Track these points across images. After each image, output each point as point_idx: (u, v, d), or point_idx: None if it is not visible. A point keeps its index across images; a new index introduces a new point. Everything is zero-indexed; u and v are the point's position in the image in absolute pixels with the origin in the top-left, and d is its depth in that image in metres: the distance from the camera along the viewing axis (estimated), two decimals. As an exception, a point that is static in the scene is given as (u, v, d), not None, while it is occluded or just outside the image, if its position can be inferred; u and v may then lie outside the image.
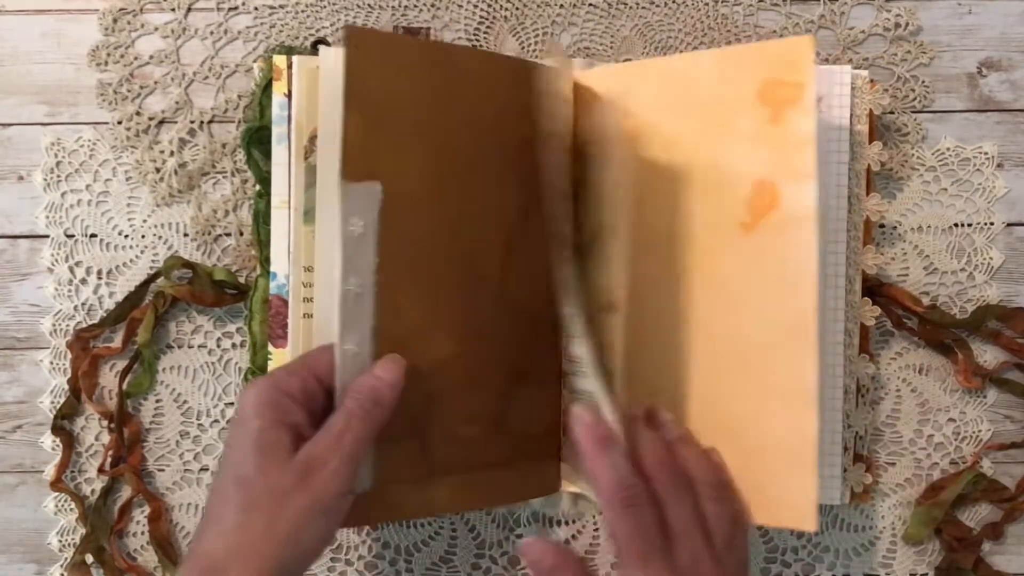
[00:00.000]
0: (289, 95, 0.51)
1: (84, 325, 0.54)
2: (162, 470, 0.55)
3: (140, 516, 0.55)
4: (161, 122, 0.55)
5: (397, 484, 0.45)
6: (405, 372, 0.43)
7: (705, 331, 0.48)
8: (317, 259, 0.49)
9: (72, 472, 0.55)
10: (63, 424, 0.54)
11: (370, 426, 0.42)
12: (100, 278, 0.55)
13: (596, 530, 0.55)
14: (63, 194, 0.55)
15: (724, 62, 0.48)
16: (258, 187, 0.53)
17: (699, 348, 0.48)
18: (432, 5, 0.55)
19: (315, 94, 0.50)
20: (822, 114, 0.51)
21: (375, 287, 0.43)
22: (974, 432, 0.55)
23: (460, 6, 0.55)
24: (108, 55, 0.55)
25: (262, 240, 0.52)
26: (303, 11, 0.55)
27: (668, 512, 0.42)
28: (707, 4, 0.55)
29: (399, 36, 0.47)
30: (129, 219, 0.55)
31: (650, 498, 0.42)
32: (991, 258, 0.55)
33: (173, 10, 0.55)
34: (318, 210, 0.49)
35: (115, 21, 0.55)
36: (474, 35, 0.55)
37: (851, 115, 0.51)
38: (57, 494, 0.54)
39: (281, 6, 0.55)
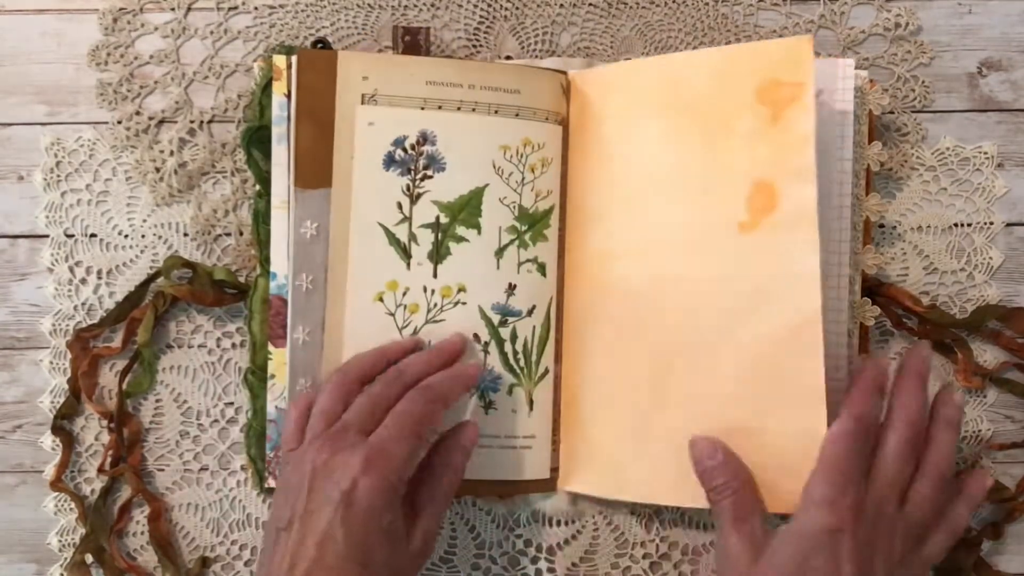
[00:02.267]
0: (289, 95, 0.51)
1: (84, 325, 0.54)
2: (162, 470, 0.55)
3: (140, 516, 0.55)
4: (161, 122, 0.55)
5: None
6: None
7: (714, 332, 0.48)
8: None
9: (72, 472, 0.55)
10: (63, 424, 0.54)
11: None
12: (100, 278, 0.55)
13: (596, 530, 0.55)
14: (63, 194, 0.55)
15: (723, 62, 0.48)
16: (258, 187, 0.53)
17: (711, 349, 0.48)
18: (432, 5, 0.55)
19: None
20: (822, 107, 0.51)
21: (325, 284, 0.50)
22: (974, 432, 0.55)
23: (460, 6, 0.55)
24: (108, 55, 0.55)
25: (262, 240, 0.52)
26: (303, 11, 0.55)
27: (884, 450, 0.44)
28: (707, 4, 0.55)
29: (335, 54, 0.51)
30: (129, 219, 0.55)
31: (872, 437, 0.44)
32: (991, 258, 0.55)
33: (173, 10, 0.55)
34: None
35: (115, 21, 0.55)
36: (474, 35, 0.55)
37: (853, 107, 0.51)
38: (57, 494, 0.54)
39: (281, 6, 0.55)
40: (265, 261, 0.52)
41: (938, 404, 0.47)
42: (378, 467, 0.42)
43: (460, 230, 0.51)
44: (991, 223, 0.55)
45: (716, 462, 0.46)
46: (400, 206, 0.50)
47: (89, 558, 0.54)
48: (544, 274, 0.51)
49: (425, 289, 0.51)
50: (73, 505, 0.54)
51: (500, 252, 0.51)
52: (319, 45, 0.54)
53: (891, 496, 0.44)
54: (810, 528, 0.43)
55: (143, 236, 0.55)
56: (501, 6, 0.55)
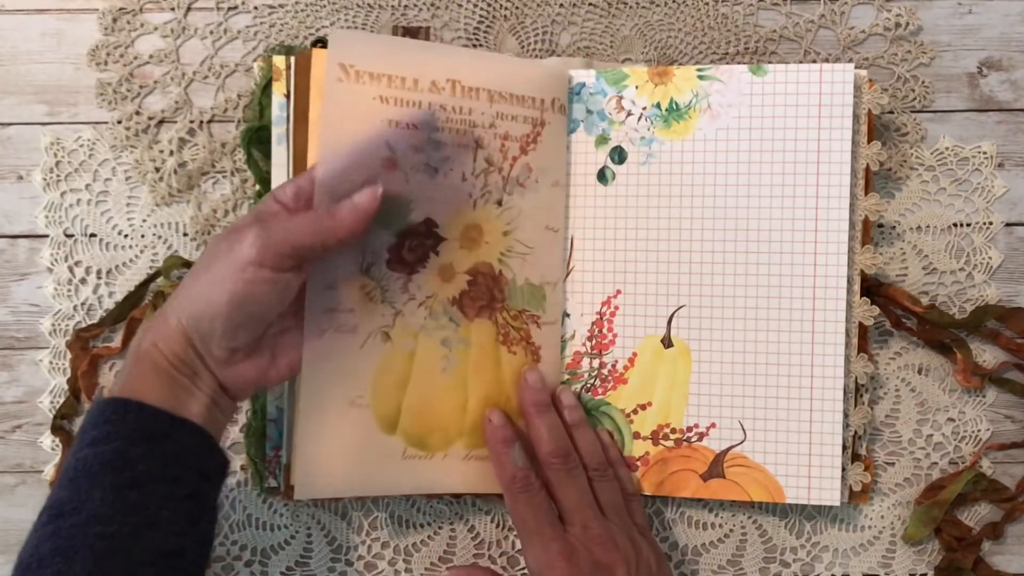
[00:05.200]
0: (288, 95, 0.51)
1: (84, 325, 0.54)
2: (162, 470, 0.55)
3: (140, 516, 0.55)
4: (161, 122, 0.55)
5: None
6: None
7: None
8: None
9: (72, 472, 0.55)
10: (63, 424, 0.54)
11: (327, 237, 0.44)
12: (100, 278, 0.55)
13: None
14: (63, 194, 0.55)
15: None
16: (258, 187, 0.53)
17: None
18: (432, 4, 0.55)
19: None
20: (823, 109, 0.51)
21: None
22: (973, 432, 0.55)
23: (460, 5, 0.55)
24: (108, 55, 0.55)
25: (262, 240, 0.52)
26: (303, 11, 0.55)
27: (559, 493, 0.48)
28: (707, 4, 0.55)
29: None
30: (129, 219, 0.55)
31: (541, 484, 0.48)
32: (990, 258, 0.55)
33: (173, 10, 0.55)
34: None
35: (115, 21, 0.55)
36: (473, 34, 0.55)
37: (853, 115, 0.51)
38: (57, 494, 0.54)
39: (281, 5, 0.55)
40: (265, 261, 0.52)
41: (556, 404, 0.51)
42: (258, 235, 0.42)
43: None
44: (990, 223, 0.55)
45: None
46: None
47: (89, 558, 0.54)
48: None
49: None
50: (73, 505, 0.54)
51: None
52: (319, 45, 0.54)
53: (590, 514, 0.48)
54: None
55: (143, 236, 0.55)
56: (501, 6, 0.55)
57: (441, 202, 0.48)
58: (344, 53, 0.46)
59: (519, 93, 0.50)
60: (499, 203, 0.50)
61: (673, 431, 0.52)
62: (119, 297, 0.54)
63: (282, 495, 0.52)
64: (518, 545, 0.55)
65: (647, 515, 0.54)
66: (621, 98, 0.52)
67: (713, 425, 0.52)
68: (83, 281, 0.55)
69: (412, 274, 0.48)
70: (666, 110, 0.52)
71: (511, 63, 0.51)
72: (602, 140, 0.52)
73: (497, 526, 0.55)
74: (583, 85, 0.52)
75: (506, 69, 0.50)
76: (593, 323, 0.53)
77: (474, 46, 0.55)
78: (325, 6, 0.55)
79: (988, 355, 0.55)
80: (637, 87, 0.52)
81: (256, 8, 0.55)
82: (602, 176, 0.52)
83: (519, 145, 0.50)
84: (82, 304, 0.55)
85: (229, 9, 0.55)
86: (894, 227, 0.55)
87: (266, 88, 0.52)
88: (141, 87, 0.55)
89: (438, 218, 0.48)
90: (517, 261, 0.51)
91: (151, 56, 0.55)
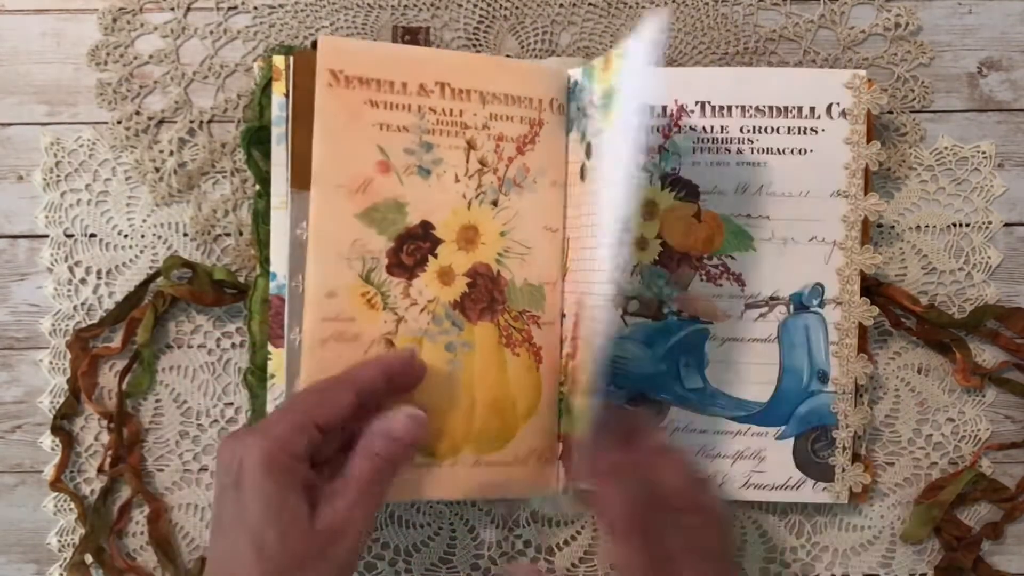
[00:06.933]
0: (288, 95, 0.51)
1: (84, 325, 0.54)
2: (161, 470, 0.55)
3: (139, 516, 0.55)
4: (161, 122, 0.55)
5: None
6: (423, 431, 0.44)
7: None
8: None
9: (71, 472, 0.55)
10: (62, 424, 0.54)
11: (386, 486, 0.42)
12: (100, 278, 0.55)
13: (596, 530, 0.55)
14: (63, 194, 0.55)
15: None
16: (258, 187, 0.53)
17: None
18: (432, 5, 0.55)
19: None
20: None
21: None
22: (973, 432, 0.55)
23: (460, 5, 0.55)
24: (108, 55, 0.55)
25: (262, 240, 0.52)
26: (302, 11, 0.55)
27: (665, 540, 0.44)
28: (707, 4, 0.55)
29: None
30: (129, 219, 0.55)
31: (653, 525, 0.44)
32: (989, 257, 0.55)
33: (172, 10, 0.55)
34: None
35: (115, 21, 0.55)
36: (473, 34, 0.55)
37: (848, 118, 0.51)
38: (56, 494, 0.54)
39: (280, 6, 0.55)
40: (265, 261, 0.52)
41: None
42: (260, 444, 0.40)
43: None
44: (989, 223, 0.55)
45: None
46: None
47: (89, 558, 0.54)
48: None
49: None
50: (73, 505, 0.54)
51: None
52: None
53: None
54: None
55: (143, 236, 0.55)
56: (501, 6, 0.55)
57: (436, 204, 0.49)
58: (333, 59, 0.47)
59: (515, 94, 0.50)
60: (495, 203, 0.50)
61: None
62: (119, 297, 0.54)
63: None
64: (519, 545, 0.55)
65: None
66: (593, 92, 0.50)
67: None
68: (83, 281, 0.55)
69: (412, 278, 0.48)
70: (603, 97, 0.49)
71: (506, 64, 0.51)
72: (583, 136, 0.51)
73: (497, 526, 0.55)
74: (576, 83, 0.52)
75: (500, 70, 0.50)
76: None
77: (474, 46, 0.55)
78: (325, 6, 0.55)
79: (988, 355, 0.55)
80: (597, 78, 0.50)
81: (256, 8, 0.55)
82: (582, 172, 0.51)
83: (515, 145, 0.50)
84: (82, 304, 0.55)
85: (229, 9, 0.55)
86: (893, 227, 0.55)
87: (266, 88, 0.51)
88: (141, 87, 0.55)
89: (434, 220, 0.49)
90: (516, 262, 0.51)
91: (151, 56, 0.55)
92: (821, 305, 0.52)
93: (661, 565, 0.43)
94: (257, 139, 0.52)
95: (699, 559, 0.44)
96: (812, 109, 0.51)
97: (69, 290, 0.55)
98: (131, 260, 0.55)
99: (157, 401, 0.55)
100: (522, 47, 0.55)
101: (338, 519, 0.40)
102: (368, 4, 0.55)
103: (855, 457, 0.53)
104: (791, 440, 0.52)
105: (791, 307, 0.52)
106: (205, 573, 0.41)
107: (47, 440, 0.55)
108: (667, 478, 0.45)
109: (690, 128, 0.52)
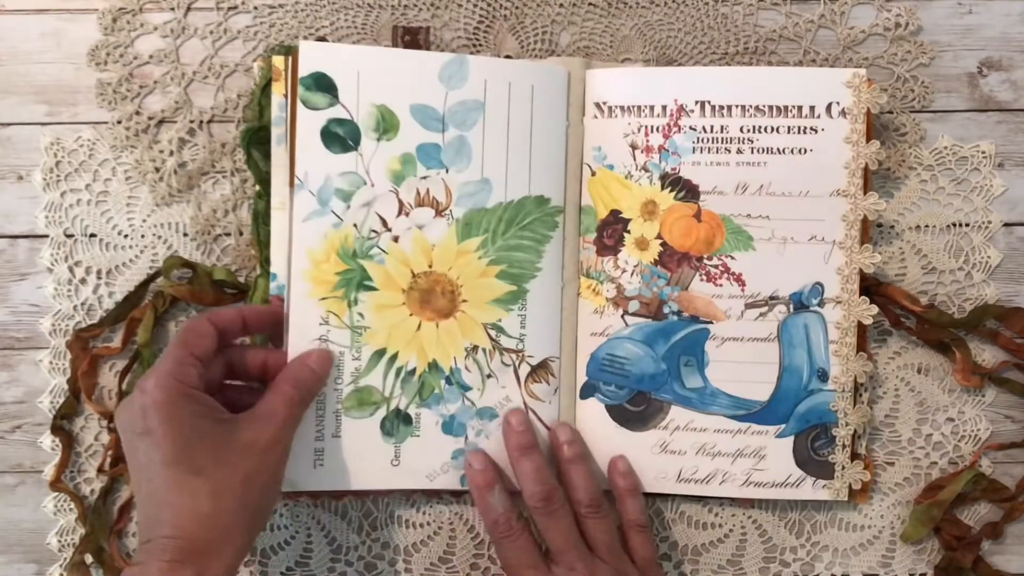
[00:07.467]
0: (288, 95, 0.51)
1: (84, 325, 0.54)
2: (162, 470, 0.55)
3: (140, 516, 0.55)
4: (161, 122, 0.55)
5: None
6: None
7: None
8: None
9: (71, 472, 0.55)
10: (62, 424, 0.54)
11: (305, 407, 0.48)
12: (100, 278, 0.55)
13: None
14: (63, 194, 0.55)
15: None
16: (258, 187, 0.53)
17: None
18: (432, 4, 0.55)
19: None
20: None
21: None
22: (973, 431, 0.55)
23: (460, 5, 0.55)
24: (108, 55, 0.55)
25: (262, 240, 0.52)
26: (302, 10, 0.55)
27: (544, 535, 0.49)
28: (707, 4, 0.55)
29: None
30: (129, 219, 0.55)
31: (525, 526, 0.49)
32: (989, 257, 0.55)
33: (172, 9, 0.55)
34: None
35: (115, 21, 0.55)
36: (473, 34, 0.55)
37: (848, 116, 0.51)
38: (56, 494, 0.54)
39: (280, 5, 0.55)
40: (265, 261, 0.52)
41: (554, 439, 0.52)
42: (156, 384, 0.43)
43: None
44: (989, 222, 0.55)
45: None
46: None
47: (89, 558, 0.54)
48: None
49: None
50: (73, 505, 0.54)
51: None
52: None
53: (575, 555, 0.48)
54: None
55: (143, 236, 0.55)
56: (501, 5, 0.55)
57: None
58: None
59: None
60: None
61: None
62: (119, 297, 0.54)
63: (282, 495, 0.52)
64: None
65: (655, 545, 0.53)
66: None
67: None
68: (83, 281, 0.55)
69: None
70: None
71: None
72: None
73: (497, 526, 0.55)
74: None
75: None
76: None
77: (474, 46, 0.55)
78: (325, 6, 0.55)
79: (987, 355, 0.55)
80: None
81: (256, 8, 0.55)
82: None
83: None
84: (82, 304, 0.55)
85: (229, 9, 0.55)
86: (893, 226, 0.55)
87: (266, 88, 0.52)
88: (141, 87, 0.55)
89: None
90: None
91: (151, 56, 0.55)
92: (821, 304, 0.52)
93: (529, 559, 0.48)
94: (257, 139, 0.52)
95: (577, 554, 0.48)
96: (812, 108, 0.52)
97: (69, 290, 0.55)
98: (131, 260, 0.55)
99: (157, 401, 0.55)
100: (522, 47, 0.55)
101: (267, 437, 0.45)
102: (368, 4, 0.55)
103: (855, 456, 0.53)
104: (791, 438, 0.52)
105: (791, 306, 0.52)
106: (138, 529, 0.44)
107: (47, 440, 0.55)
108: (572, 484, 0.50)
109: (690, 128, 0.52)
